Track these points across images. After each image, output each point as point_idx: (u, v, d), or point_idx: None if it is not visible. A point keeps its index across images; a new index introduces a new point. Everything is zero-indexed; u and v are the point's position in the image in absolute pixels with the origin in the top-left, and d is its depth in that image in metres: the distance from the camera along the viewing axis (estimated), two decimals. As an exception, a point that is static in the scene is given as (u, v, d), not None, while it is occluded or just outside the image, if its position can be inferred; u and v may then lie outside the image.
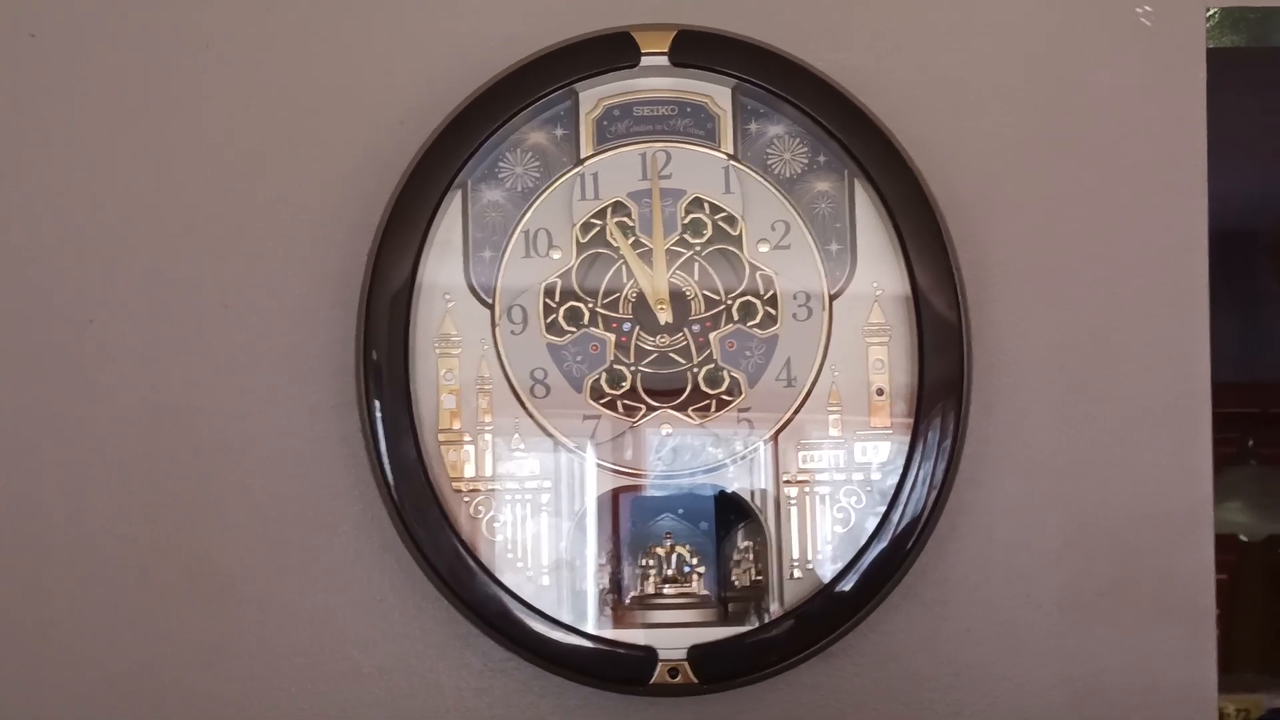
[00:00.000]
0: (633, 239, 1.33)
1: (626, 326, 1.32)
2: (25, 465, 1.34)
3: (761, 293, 1.33)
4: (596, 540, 1.32)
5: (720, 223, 1.33)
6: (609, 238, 1.33)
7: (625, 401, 1.32)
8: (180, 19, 1.38)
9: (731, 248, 1.33)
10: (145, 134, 1.37)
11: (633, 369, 1.32)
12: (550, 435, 1.31)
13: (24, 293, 1.36)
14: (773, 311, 1.32)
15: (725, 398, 1.32)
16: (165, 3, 1.38)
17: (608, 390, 1.32)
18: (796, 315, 1.33)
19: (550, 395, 1.32)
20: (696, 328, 1.32)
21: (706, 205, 1.34)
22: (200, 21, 1.38)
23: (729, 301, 1.33)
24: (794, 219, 1.33)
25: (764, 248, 1.33)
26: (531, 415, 1.31)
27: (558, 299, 1.33)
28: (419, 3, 1.38)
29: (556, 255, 1.33)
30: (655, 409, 1.32)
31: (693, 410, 1.32)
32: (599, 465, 1.31)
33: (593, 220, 1.34)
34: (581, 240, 1.33)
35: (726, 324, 1.32)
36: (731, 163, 1.34)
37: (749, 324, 1.32)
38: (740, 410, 1.32)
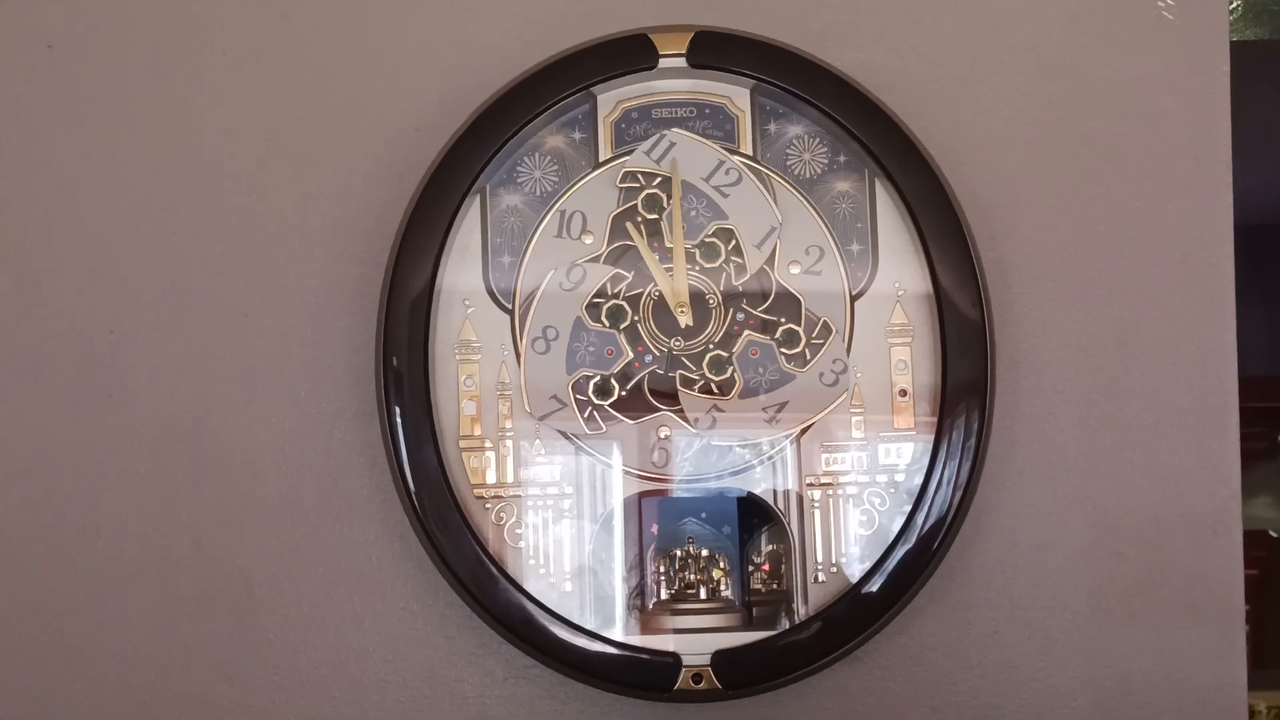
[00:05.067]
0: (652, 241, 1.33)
1: (647, 328, 1.32)
2: (45, 474, 1.34)
3: (784, 316, 1.31)
4: (618, 546, 1.31)
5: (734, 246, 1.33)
6: (629, 238, 1.32)
7: (647, 404, 1.31)
8: (195, 28, 1.37)
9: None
10: (162, 143, 1.37)
11: (654, 372, 1.31)
12: (571, 440, 1.31)
13: (44, 303, 1.36)
14: (796, 328, 1.31)
15: (747, 399, 1.31)
16: (180, 13, 1.38)
17: (630, 393, 1.31)
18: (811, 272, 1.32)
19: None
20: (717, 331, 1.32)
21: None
22: (215, 30, 1.38)
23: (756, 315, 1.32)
24: (815, 220, 1.32)
25: (794, 270, 1.32)
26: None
27: (577, 303, 1.32)
28: (434, 8, 1.38)
29: (576, 258, 1.33)
30: (677, 412, 1.31)
31: (715, 413, 1.31)
32: (621, 470, 1.31)
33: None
34: (601, 243, 1.33)
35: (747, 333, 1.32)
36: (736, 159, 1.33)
37: (771, 336, 1.31)
38: (764, 410, 1.31)
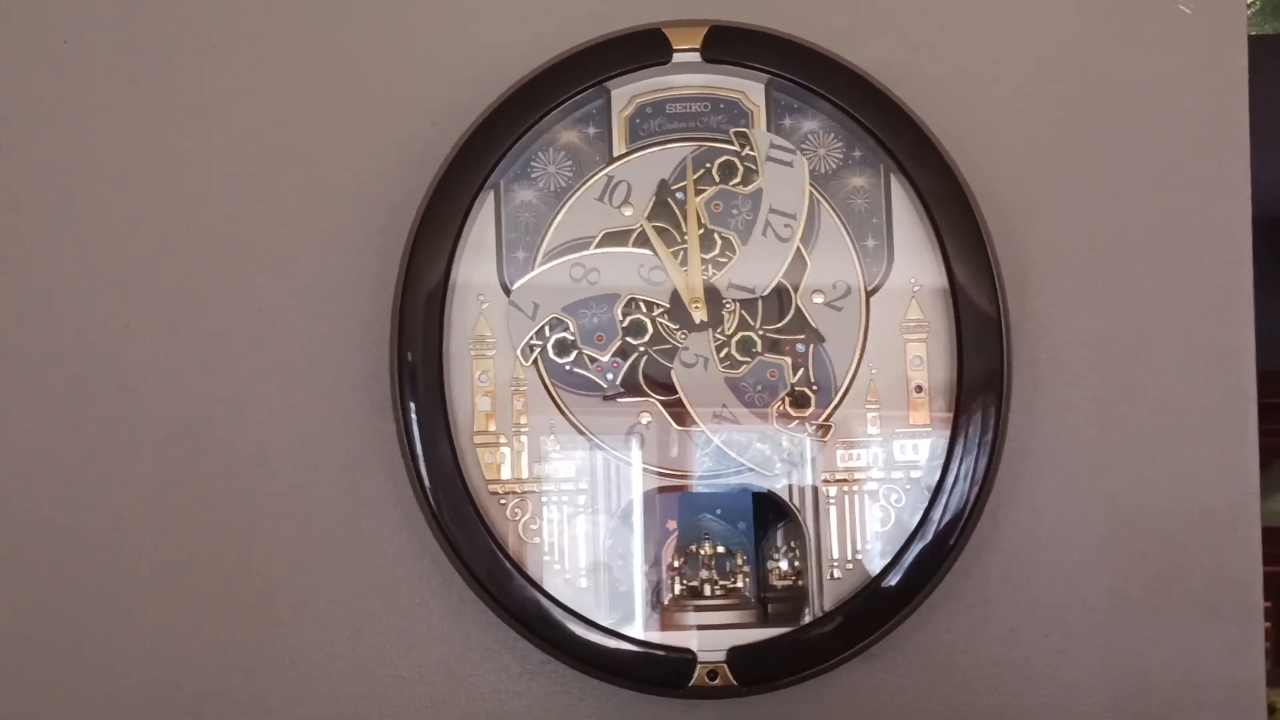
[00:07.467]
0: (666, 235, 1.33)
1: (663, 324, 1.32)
2: (61, 471, 1.35)
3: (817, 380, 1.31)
4: (634, 542, 1.31)
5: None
6: (665, 220, 1.32)
7: (662, 401, 1.31)
8: (210, 26, 1.38)
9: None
10: (177, 139, 1.37)
11: (668, 369, 1.31)
12: (586, 435, 1.31)
13: (61, 299, 1.36)
14: (811, 396, 1.31)
15: (727, 388, 1.31)
16: (197, 10, 1.38)
17: (644, 390, 1.31)
18: (833, 306, 1.31)
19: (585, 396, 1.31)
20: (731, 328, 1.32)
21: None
22: (232, 27, 1.38)
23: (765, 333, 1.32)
24: (826, 212, 1.32)
25: (816, 300, 1.32)
26: (567, 416, 1.31)
27: (592, 297, 1.32)
28: (448, 5, 1.38)
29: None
30: (692, 408, 1.31)
31: (731, 409, 1.31)
32: (636, 466, 1.31)
33: (626, 218, 1.33)
34: (617, 237, 1.33)
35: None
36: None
37: (793, 383, 1.31)
38: (722, 407, 1.30)
